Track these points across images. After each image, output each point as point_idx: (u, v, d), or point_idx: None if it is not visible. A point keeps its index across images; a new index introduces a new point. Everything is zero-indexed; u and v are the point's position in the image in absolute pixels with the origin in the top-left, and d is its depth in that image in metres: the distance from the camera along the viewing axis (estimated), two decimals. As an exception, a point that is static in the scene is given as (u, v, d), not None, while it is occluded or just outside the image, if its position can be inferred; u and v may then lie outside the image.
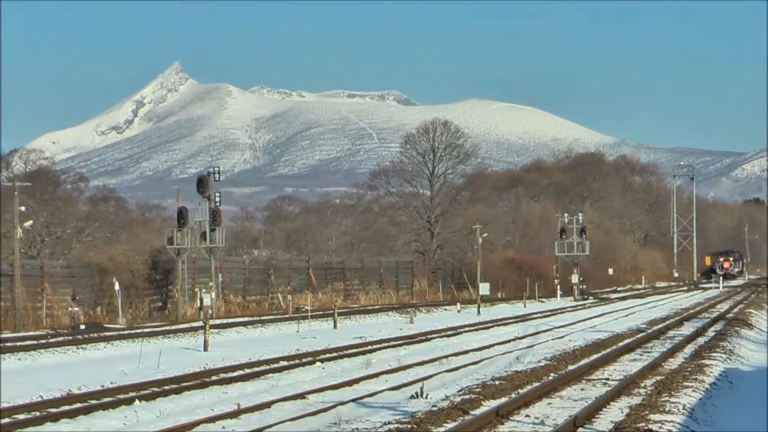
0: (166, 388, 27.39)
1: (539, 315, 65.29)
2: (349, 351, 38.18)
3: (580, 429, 19.84)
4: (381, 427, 20.24)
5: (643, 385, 26.31)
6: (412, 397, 24.69)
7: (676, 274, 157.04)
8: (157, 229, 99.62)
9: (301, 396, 25.46)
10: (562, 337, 45.80)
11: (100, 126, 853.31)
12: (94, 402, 24.87)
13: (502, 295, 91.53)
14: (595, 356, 34.35)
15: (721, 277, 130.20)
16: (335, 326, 53.62)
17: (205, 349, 39.66)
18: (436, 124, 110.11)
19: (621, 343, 39.89)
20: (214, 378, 29.76)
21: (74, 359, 37.45)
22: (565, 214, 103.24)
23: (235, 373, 30.85)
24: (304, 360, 34.80)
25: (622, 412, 21.80)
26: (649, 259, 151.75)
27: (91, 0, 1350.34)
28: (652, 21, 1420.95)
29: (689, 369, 29.92)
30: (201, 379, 29.39)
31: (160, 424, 21.49)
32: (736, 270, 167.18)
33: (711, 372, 29.54)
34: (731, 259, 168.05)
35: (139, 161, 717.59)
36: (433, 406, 22.75)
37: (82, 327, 50.68)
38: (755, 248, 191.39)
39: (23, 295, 54.28)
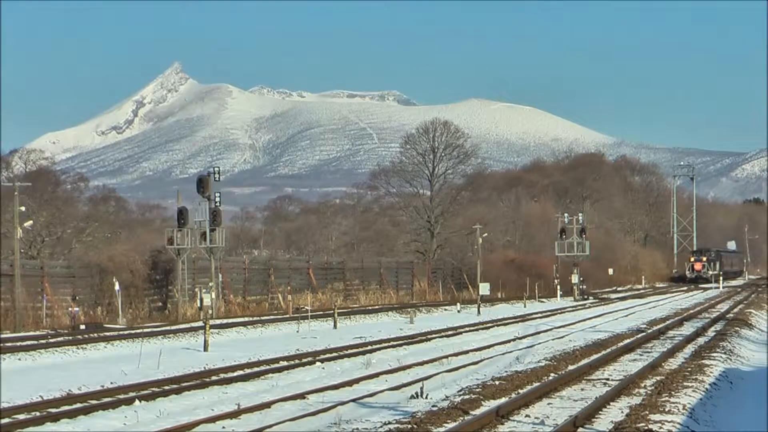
0: (166, 388, 27.39)
1: (539, 315, 65.27)
2: (349, 351, 38.18)
3: (580, 429, 19.84)
4: (381, 427, 20.24)
5: (643, 385, 26.31)
6: (412, 397, 24.69)
7: (676, 275, 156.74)
8: (157, 229, 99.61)
9: (301, 396, 25.46)
10: (562, 337, 45.81)
11: (100, 126, 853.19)
12: (94, 402, 24.87)
13: (502, 295, 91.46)
14: (595, 356, 34.35)
15: (719, 278, 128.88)
16: (335, 326, 53.62)
17: (205, 349, 39.66)
18: (436, 124, 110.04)
19: (621, 343, 39.89)
20: (214, 378, 29.76)
21: (74, 359, 37.45)
22: (565, 214, 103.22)
23: (235, 373, 30.84)
24: (304, 360, 34.80)
25: (622, 412, 21.81)
26: (649, 259, 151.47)
27: (91, 0, 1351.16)
28: (652, 21, 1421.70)
29: (689, 369, 29.92)
30: (201, 379, 29.39)
31: (160, 424, 21.49)
32: (711, 273, 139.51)
33: (711, 372, 29.53)
34: (704, 259, 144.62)
35: (139, 161, 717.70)
36: (433, 406, 22.75)
37: (82, 327, 50.65)
38: (755, 248, 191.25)
39: (23, 295, 54.23)
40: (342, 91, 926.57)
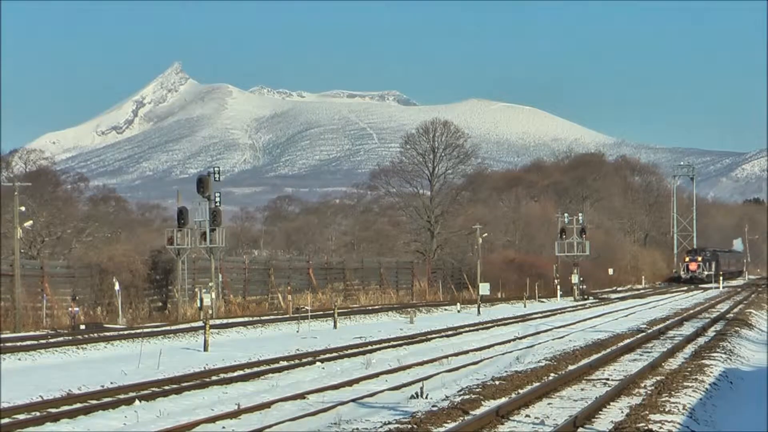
0: (166, 388, 27.39)
1: (539, 315, 65.25)
2: (349, 351, 38.18)
3: (580, 429, 19.83)
4: (381, 427, 20.24)
5: (643, 385, 26.30)
6: (412, 397, 24.69)
7: (675, 274, 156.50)
8: (157, 229, 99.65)
9: (301, 396, 25.46)
10: (562, 337, 45.80)
11: (100, 126, 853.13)
12: (94, 402, 24.87)
13: (502, 295, 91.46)
14: (595, 356, 34.34)
15: (718, 278, 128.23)
16: (335, 326, 53.61)
17: (205, 349, 39.66)
18: (436, 124, 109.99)
19: (621, 343, 39.89)
20: (214, 378, 29.76)
21: (74, 359, 37.45)
22: (565, 214, 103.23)
23: (235, 373, 30.84)
24: (304, 360, 34.80)
25: (622, 412, 21.80)
26: (649, 259, 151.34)
27: (91, 0, 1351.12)
28: (652, 21, 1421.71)
29: (689, 369, 29.91)
30: (201, 379, 29.39)
31: (160, 424, 21.48)
32: (706, 273, 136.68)
33: (711, 372, 29.53)
34: (699, 259, 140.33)
35: (139, 161, 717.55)
36: (433, 406, 22.75)
37: (82, 327, 50.66)
38: (755, 248, 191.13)
39: (23, 295, 54.24)
40: (342, 91, 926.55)
